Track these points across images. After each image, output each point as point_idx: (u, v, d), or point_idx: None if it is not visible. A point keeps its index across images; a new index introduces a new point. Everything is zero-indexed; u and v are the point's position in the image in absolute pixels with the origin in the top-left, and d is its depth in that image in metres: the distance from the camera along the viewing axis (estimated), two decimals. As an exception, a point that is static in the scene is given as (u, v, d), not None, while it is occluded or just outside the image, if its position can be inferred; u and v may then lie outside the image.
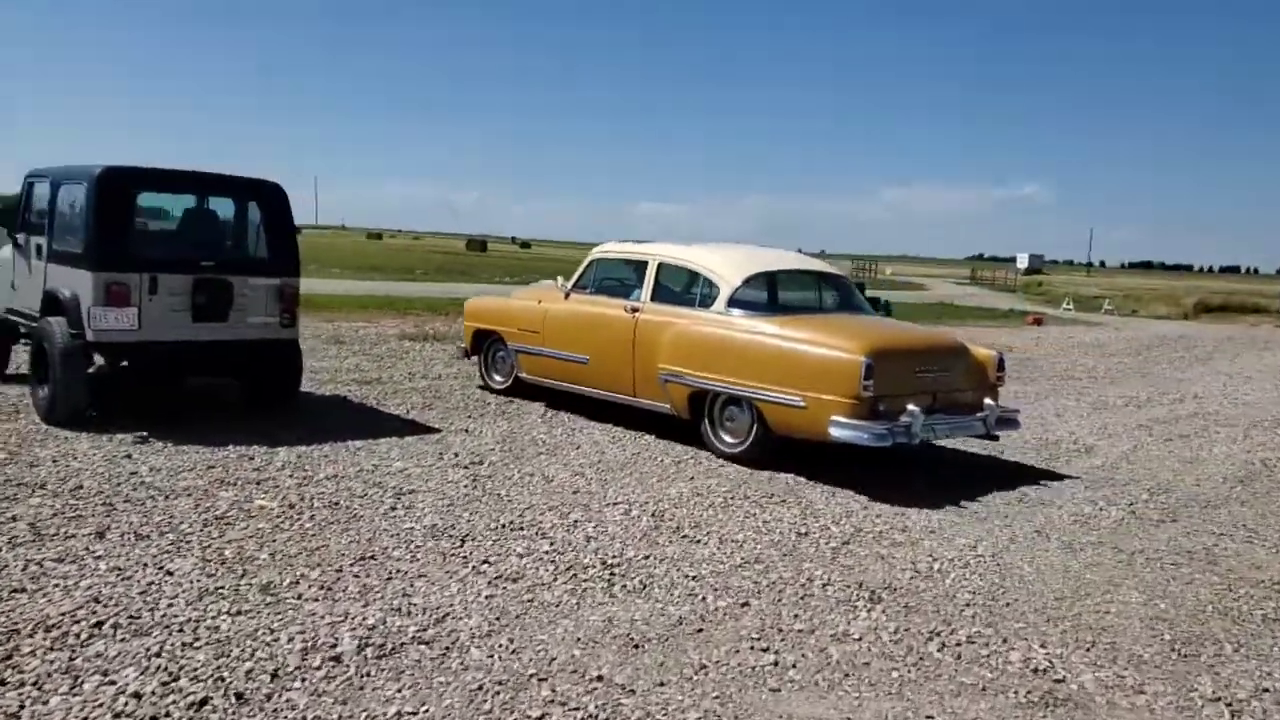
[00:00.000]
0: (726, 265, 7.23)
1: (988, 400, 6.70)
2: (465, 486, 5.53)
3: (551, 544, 4.66)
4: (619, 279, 7.93)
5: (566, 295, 8.06)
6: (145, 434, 6.17)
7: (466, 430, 7.04)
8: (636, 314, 7.36)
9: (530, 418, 7.65)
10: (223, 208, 7.18)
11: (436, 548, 4.51)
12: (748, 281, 7.14)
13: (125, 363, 6.62)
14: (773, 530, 5.05)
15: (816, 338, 6.42)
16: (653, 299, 7.41)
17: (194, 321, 6.52)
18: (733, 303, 6.98)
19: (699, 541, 4.82)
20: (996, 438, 6.96)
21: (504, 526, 4.86)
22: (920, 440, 6.14)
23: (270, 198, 7.02)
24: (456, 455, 6.26)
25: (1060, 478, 6.73)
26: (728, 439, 6.76)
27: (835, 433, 5.97)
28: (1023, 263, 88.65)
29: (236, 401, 7.46)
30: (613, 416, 7.57)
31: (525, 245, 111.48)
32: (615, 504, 5.37)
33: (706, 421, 6.87)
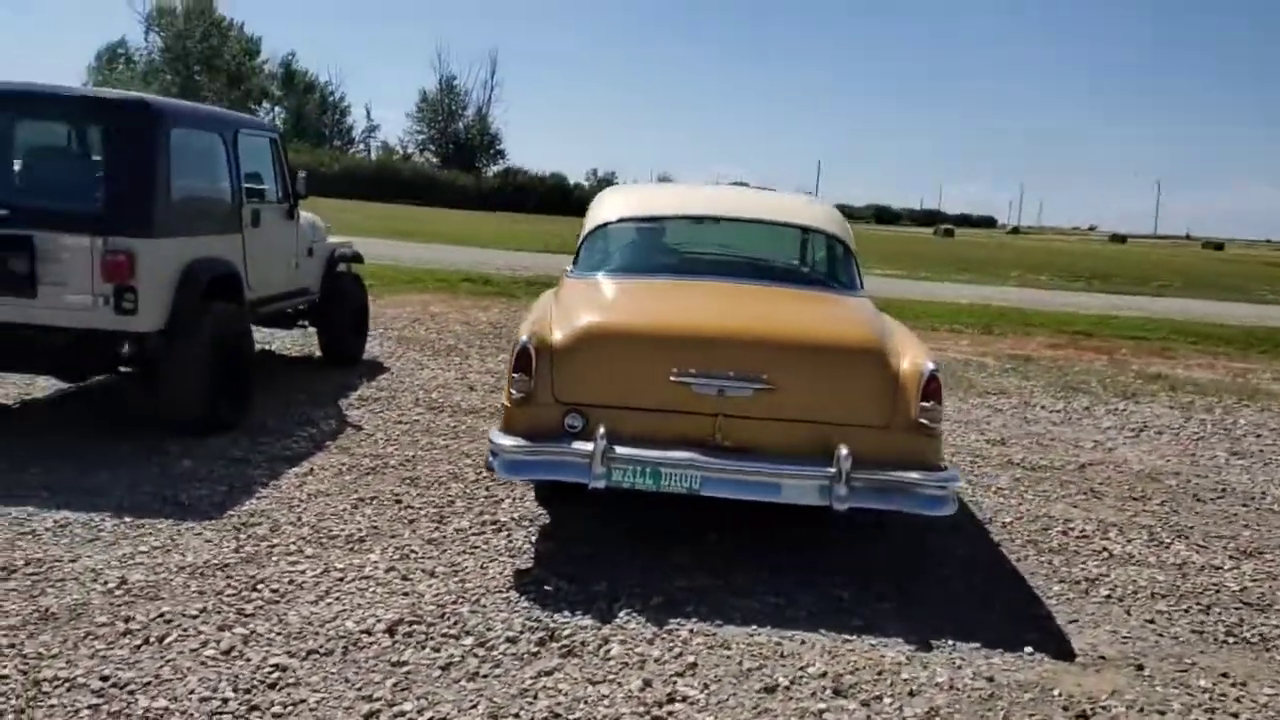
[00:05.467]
0: (604, 206, 5.28)
1: (842, 450, 3.72)
2: None
3: None
4: None
5: None
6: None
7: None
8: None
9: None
10: (48, 137, 5.39)
11: None
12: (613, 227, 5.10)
13: None
14: None
15: (560, 311, 4.26)
16: None
17: None
18: (578, 260, 5.00)
19: None
20: (876, 523, 4.42)
21: None
22: (606, 486, 3.75)
23: (124, 121, 4.96)
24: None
25: None
26: None
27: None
28: None
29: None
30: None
31: None
32: None
33: None
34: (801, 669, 3.28)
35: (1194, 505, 5.59)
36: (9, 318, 4.93)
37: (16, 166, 5.21)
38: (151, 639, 3.17)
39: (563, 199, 53.17)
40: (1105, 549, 4.72)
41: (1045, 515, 5.19)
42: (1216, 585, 4.36)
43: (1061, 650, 3.57)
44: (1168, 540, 4.93)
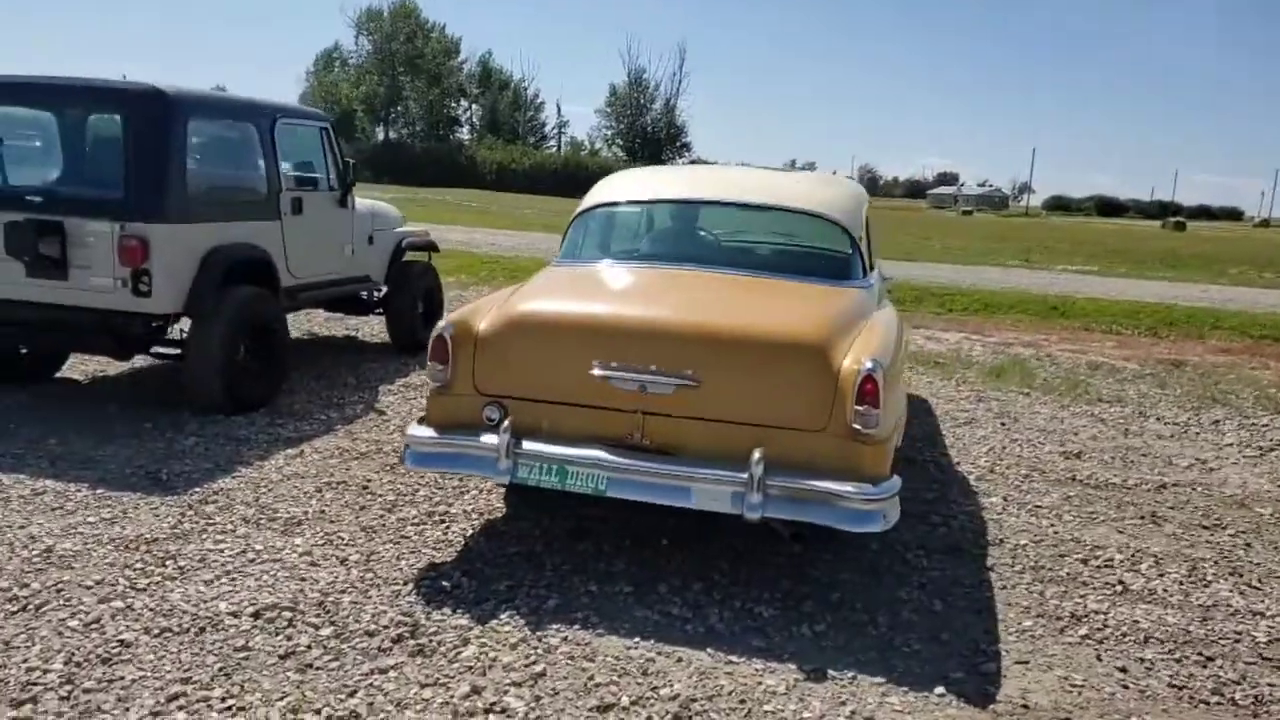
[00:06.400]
0: (594, 191, 5.11)
1: (755, 454, 3.39)
2: None
3: None
4: None
5: None
6: None
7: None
8: None
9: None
10: (78, 127, 5.59)
11: None
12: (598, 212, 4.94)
13: None
14: None
15: (502, 299, 4.16)
16: None
17: (30, 277, 5.25)
18: (561, 246, 4.92)
19: None
20: (793, 535, 3.95)
21: None
22: (512, 482, 3.64)
23: (140, 111, 5.21)
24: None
25: None
26: None
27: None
28: None
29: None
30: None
31: None
32: None
33: None
34: (655, 689, 3.01)
35: (1278, 539, 4.79)
36: (44, 298, 5.32)
37: (51, 156, 5.61)
38: (30, 607, 3.31)
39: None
40: (1121, 582, 4.11)
41: (1073, 540, 4.59)
42: (1239, 634, 3.69)
43: (980, 695, 3.12)
44: (1212, 578, 4.23)
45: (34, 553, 3.74)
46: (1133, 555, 4.43)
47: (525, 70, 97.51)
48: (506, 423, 3.65)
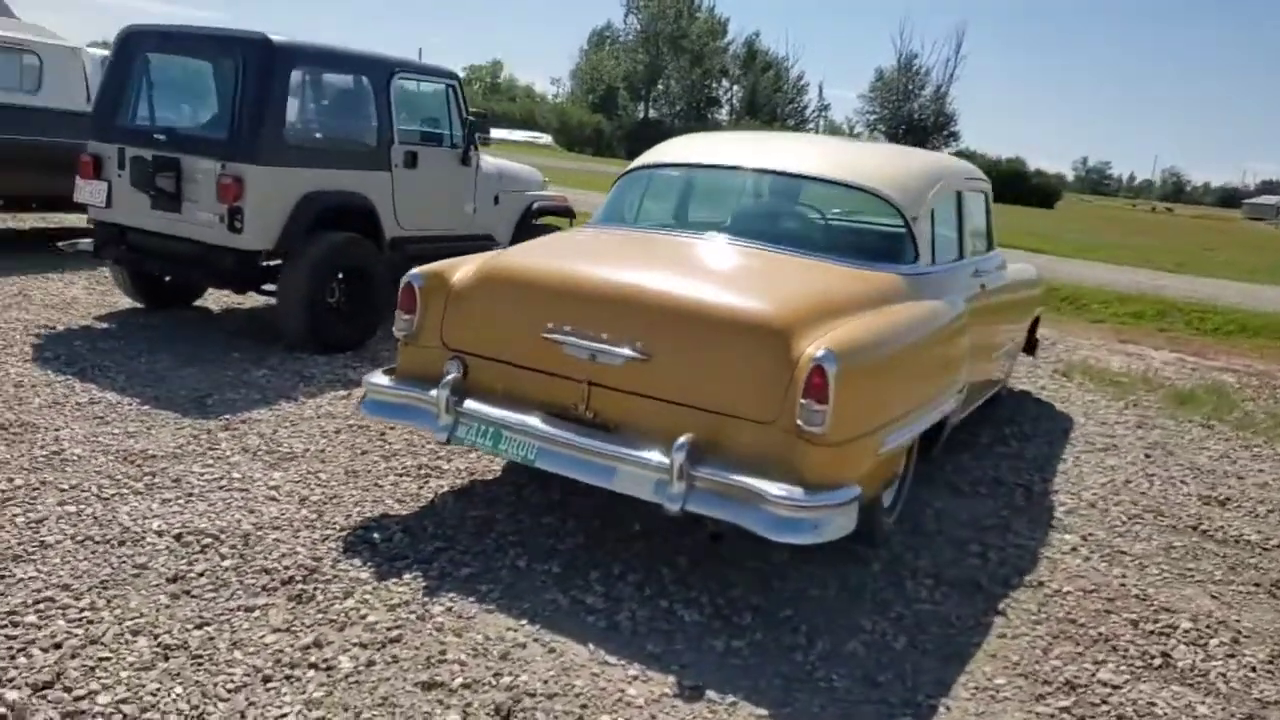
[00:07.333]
0: (641, 155, 4.88)
1: (680, 439, 3.11)
2: None
3: None
4: None
5: None
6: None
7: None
8: None
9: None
10: (197, 71, 5.97)
11: None
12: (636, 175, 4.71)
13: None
14: None
15: (492, 254, 4.03)
16: None
17: (153, 208, 5.68)
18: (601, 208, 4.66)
19: None
20: (714, 535, 3.67)
21: None
22: (449, 440, 3.52)
23: (249, 57, 5.49)
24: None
25: None
26: None
27: None
28: None
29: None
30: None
31: None
32: None
33: None
34: (498, 676, 2.78)
35: None
36: (160, 228, 5.80)
37: (182, 98, 6.06)
38: (-4, 501, 3.56)
39: (1014, 184, 48.74)
40: (1166, 655, 3.37)
41: (1139, 596, 3.83)
42: (1283, 743, 2.91)
43: (869, 752, 2.63)
44: (1297, 669, 3.38)
45: (45, 453, 4.04)
46: (1208, 627, 3.63)
47: (790, 51, 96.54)
48: (448, 378, 3.52)
